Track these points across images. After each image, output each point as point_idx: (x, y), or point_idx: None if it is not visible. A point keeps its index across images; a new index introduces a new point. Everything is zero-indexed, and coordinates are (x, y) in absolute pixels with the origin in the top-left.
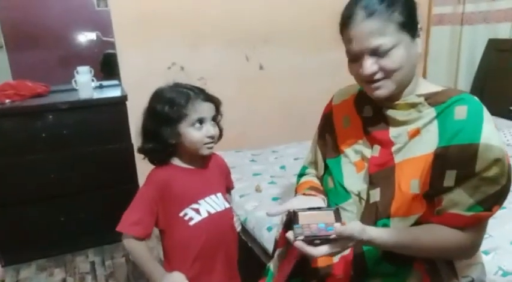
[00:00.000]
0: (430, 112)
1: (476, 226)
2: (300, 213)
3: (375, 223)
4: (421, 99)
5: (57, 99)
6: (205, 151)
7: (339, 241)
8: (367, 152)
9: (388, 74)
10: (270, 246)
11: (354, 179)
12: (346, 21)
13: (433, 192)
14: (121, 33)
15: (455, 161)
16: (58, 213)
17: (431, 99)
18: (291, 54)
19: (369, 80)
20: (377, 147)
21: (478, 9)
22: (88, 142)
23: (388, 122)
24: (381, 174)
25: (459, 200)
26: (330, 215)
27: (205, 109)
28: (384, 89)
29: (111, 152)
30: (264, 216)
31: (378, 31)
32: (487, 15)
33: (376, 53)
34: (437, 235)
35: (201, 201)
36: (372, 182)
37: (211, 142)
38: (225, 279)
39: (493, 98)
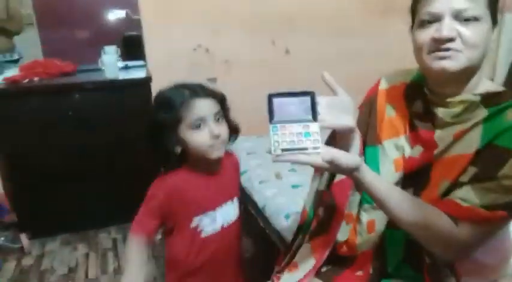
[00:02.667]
0: (481, 113)
1: (472, 224)
2: (274, 100)
3: None
4: (477, 98)
5: (83, 78)
6: (212, 154)
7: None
8: (408, 151)
9: (466, 44)
10: (287, 233)
11: (392, 178)
12: None
13: (450, 187)
14: (148, 14)
15: (482, 160)
16: (83, 191)
17: (488, 99)
18: (318, 38)
19: (441, 47)
20: (419, 149)
21: None
22: (112, 121)
23: (436, 123)
24: (415, 174)
25: (463, 196)
26: (305, 107)
27: (203, 107)
28: (453, 61)
29: (135, 132)
30: (283, 204)
31: None
32: None
33: (459, 17)
34: (429, 213)
35: (217, 210)
36: (404, 182)
37: (218, 143)
38: None
39: None
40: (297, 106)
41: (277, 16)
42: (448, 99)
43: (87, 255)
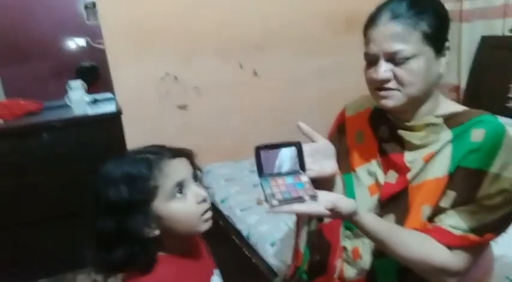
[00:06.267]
0: (446, 135)
1: (465, 250)
2: (262, 153)
3: None
4: (439, 120)
5: (50, 116)
6: (204, 226)
7: (320, 205)
8: (381, 176)
9: (401, 84)
10: (274, 261)
11: (367, 204)
12: (370, 21)
13: (432, 213)
14: (112, 45)
15: (458, 183)
16: (57, 233)
17: (451, 120)
18: (285, 60)
19: (380, 87)
20: (393, 174)
21: (476, 5)
22: (84, 159)
23: (404, 145)
24: (393, 199)
25: (451, 223)
26: (293, 158)
27: (179, 168)
28: (391, 100)
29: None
30: (268, 231)
31: (401, 36)
32: (484, 11)
33: (394, 59)
34: (425, 246)
35: None
36: (383, 208)
37: (208, 209)
38: None
39: (489, 95)
40: (284, 157)
41: (243, 40)
42: (412, 123)
43: None
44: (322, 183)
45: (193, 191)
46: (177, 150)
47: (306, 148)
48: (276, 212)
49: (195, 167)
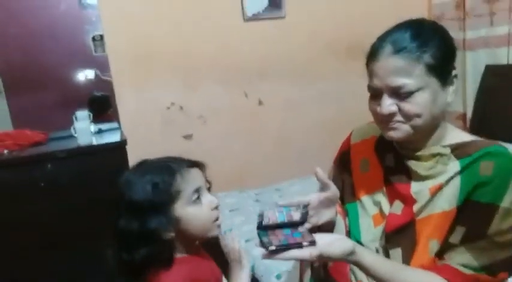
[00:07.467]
0: (454, 166)
1: None
2: (265, 212)
3: None
4: (447, 150)
5: (55, 147)
6: (215, 230)
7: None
8: (386, 206)
9: (407, 118)
10: None
11: (371, 235)
12: (372, 54)
13: (441, 248)
14: (119, 76)
15: (468, 218)
16: (60, 263)
17: (458, 150)
18: (289, 87)
19: (386, 119)
20: (399, 205)
21: (479, 35)
22: (88, 189)
23: (410, 175)
24: (400, 232)
25: (462, 261)
26: (294, 213)
27: (196, 176)
28: (398, 132)
29: (113, 198)
30: (273, 263)
31: (404, 70)
32: (487, 40)
33: (398, 93)
34: None
35: None
36: (389, 241)
37: (218, 216)
38: None
39: (495, 122)
40: (285, 213)
41: (247, 69)
42: (419, 153)
43: None
44: (320, 226)
45: (208, 198)
46: (192, 161)
47: (314, 199)
48: (273, 258)
49: (205, 178)
